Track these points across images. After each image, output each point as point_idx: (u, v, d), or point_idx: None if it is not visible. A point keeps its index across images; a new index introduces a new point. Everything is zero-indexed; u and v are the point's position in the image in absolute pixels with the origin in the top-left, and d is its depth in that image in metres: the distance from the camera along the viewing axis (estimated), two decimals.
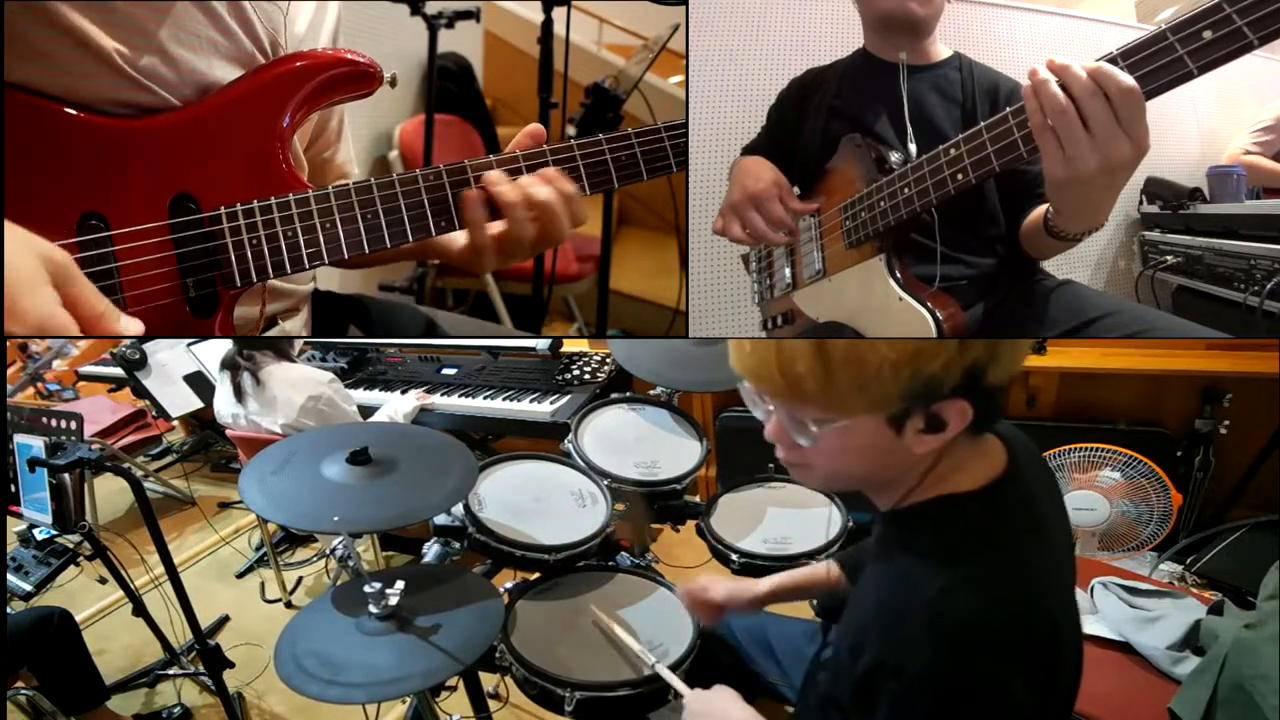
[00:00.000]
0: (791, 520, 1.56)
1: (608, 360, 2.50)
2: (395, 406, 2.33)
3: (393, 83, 0.98)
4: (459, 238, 1.00)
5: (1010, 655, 0.65)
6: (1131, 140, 0.82)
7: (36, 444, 1.57)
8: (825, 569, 1.18)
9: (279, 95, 0.92)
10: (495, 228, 0.96)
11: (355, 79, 0.95)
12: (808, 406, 0.68)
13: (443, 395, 2.49)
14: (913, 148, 1.20)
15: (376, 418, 2.27)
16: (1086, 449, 1.99)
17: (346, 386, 2.34)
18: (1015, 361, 0.69)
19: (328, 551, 2.33)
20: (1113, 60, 0.85)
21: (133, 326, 0.78)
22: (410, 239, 0.94)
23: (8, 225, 0.70)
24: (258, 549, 2.78)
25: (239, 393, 2.14)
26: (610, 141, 0.99)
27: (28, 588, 2.33)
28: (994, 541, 0.70)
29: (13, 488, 1.68)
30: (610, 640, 1.24)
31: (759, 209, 1.24)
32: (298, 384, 2.07)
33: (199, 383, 2.82)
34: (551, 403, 2.35)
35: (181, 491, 3.20)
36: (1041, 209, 1.16)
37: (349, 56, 0.95)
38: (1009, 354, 0.68)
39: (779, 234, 1.27)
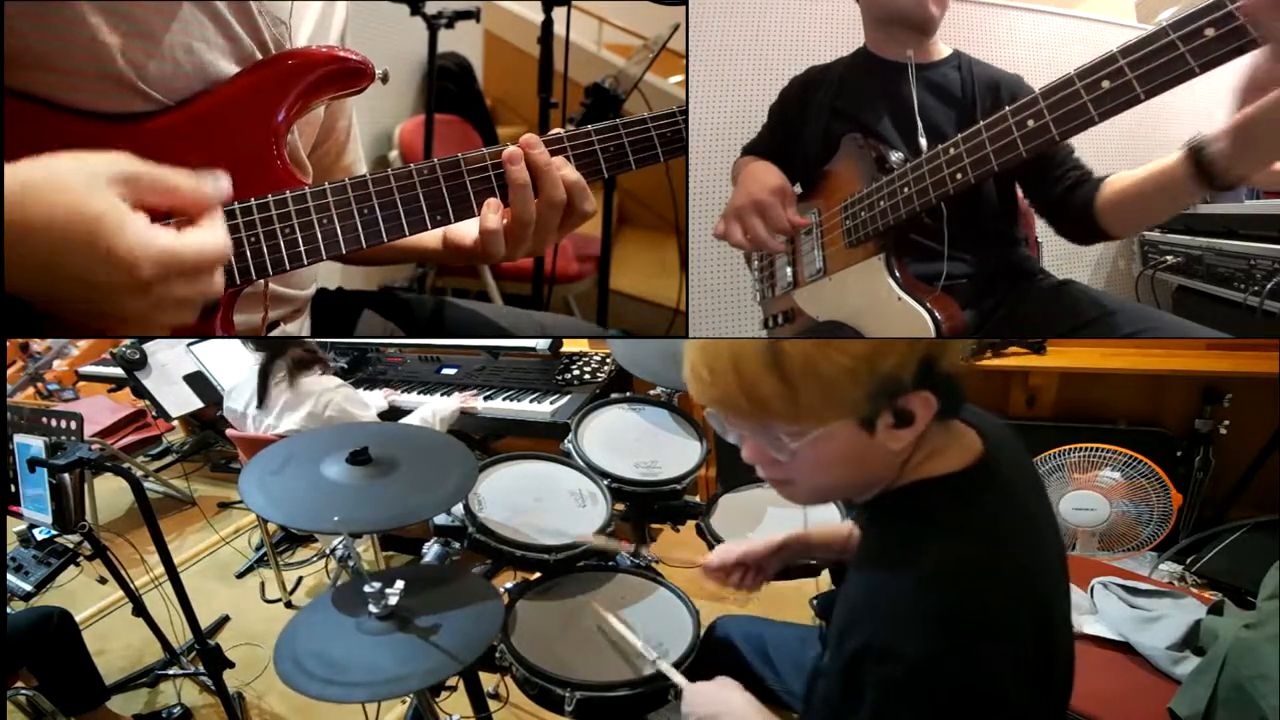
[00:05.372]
0: (791, 520, 1.55)
1: (608, 360, 2.50)
2: (433, 408, 2.27)
3: (384, 79, 0.98)
4: (471, 234, 1.01)
5: (996, 637, 0.64)
6: None
7: (36, 444, 1.57)
8: (847, 529, 1.16)
9: (272, 93, 0.92)
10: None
11: (346, 76, 0.96)
12: (779, 424, 0.69)
13: (442, 395, 2.49)
14: (923, 142, 1.19)
15: (411, 419, 2.21)
16: (1086, 449, 1.98)
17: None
18: (962, 344, 0.71)
19: (328, 551, 2.33)
20: (1113, 59, 0.85)
21: (222, 182, 0.81)
22: (407, 233, 0.94)
23: (51, 170, 0.71)
24: (258, 549, 2.78)
25: (263, 392, 2.11)
26: (600, 133, 1.00)
27: (28, 588, 2.33)
28: (973, 521, 0.71)
29: (13, 488, 1.68)
30: (610, 639, 1.24)
31: (762, 215, 1.24)
32: (306, 390, 2.06)
33: (199, 383, 2.82)
34: (551, 403, 2.35)
35: (181, 491, 3.20)
36: (1158, 166, 1.01)
37: (340, 54, 0.96)
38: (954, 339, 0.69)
39: (778, 241, 1.27)
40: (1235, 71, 0.81)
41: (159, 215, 0.76)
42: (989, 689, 0.63)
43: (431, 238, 1.11)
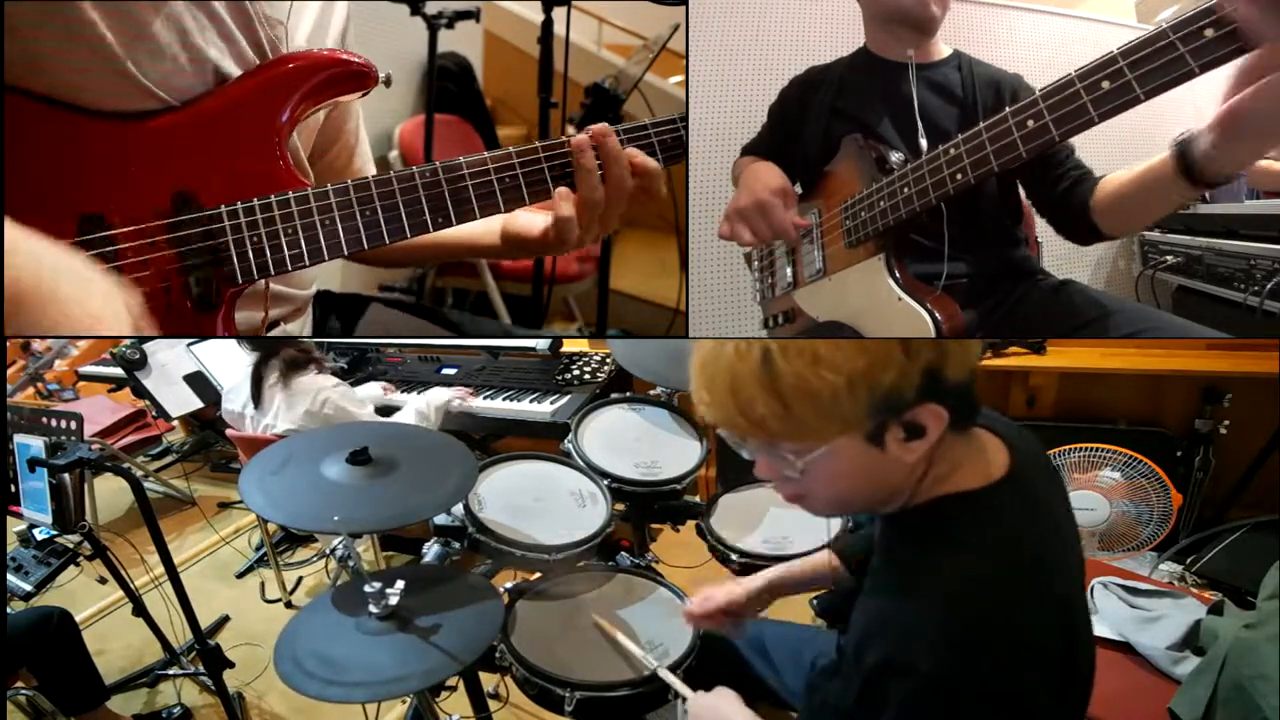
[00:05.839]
0: (792, 520, 1.56)
1: (608, 360, 2.50)
2: (426, 399, 2.27)
3: (387, 82, 0.99)
4: (537, 224, 1.04)
5: (1021, 651, 0.64)
6: None
7: (36, 444, 1.57)
8: (825, 559, 1.16)
9: (276, 95, 0.93)
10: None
11: (349, 79, 0.96)
12: (782, 442, 0.69)
13: None
14: (924, 143, 1.19)
15: (404, 415, 2.21)
16: (1086, 449, 1.99)
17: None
18: (968, 356, 0.69)
19: (328, 551, 2.33)
20: (1113, 60, 0.85)
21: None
22: (408, 235, 0.94)
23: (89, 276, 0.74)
24: (258, 549, 2.78)
25: (257, 393, 2.12)
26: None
27: (28, 588, 2.33)
28: (1002, 537, 0.70)
29: (13, 488, 1.68)
30: (611, 642, 1.24)
31: (765, 215, 1.25)
32: (301, 389, 2.06)
33: (199, 383, 2.81)
34: (551, 403, 2.35)
35: (181, 491, 3.20)
36: (1148, 165, 1.01)
37: (343, 57, 0.96)
38: (960, 350, 0.68)
39: (785, 237, 1.28)
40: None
41: None
42: (1009, 703, 0.63)
43: (487, 234, 1.13)
